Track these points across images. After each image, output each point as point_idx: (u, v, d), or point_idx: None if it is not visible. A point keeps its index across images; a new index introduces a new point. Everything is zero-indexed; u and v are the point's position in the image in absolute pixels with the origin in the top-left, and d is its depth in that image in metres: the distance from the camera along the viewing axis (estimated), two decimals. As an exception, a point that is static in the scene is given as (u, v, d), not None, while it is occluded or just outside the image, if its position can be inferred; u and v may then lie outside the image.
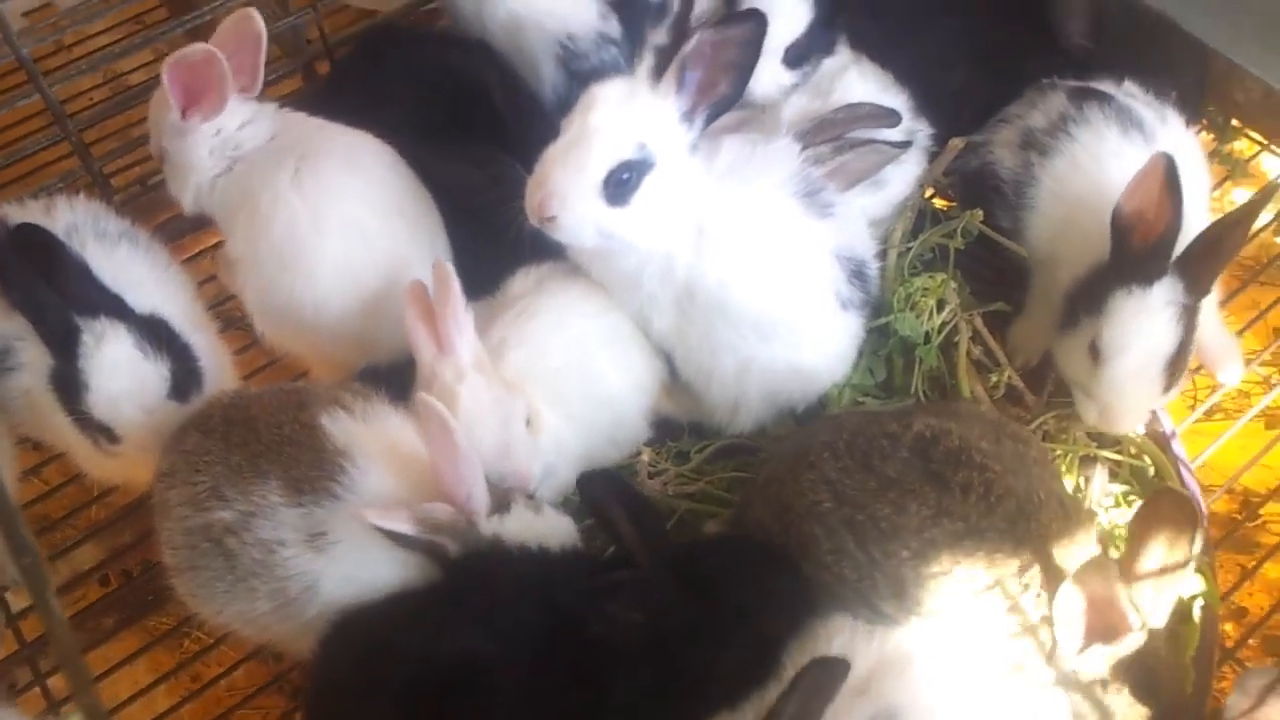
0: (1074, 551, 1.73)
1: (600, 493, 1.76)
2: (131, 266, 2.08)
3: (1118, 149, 2.18)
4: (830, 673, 1.43)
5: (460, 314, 1.89)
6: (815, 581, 1.73)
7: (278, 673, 2.18)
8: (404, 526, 1.65)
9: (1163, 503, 1.66)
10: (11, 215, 2.06)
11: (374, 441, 1.77)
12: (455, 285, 1.88)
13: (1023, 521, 1.71)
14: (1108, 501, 2.09)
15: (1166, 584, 1.63)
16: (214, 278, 2.46)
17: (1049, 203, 2.23)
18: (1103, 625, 1.60)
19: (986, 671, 1.65)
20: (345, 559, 1.71)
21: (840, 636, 1.66)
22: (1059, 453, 2.11)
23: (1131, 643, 1.60)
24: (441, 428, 1.64)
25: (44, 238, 1.96)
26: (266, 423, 1.78)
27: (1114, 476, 2.13)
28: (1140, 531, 1.66)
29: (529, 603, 1.66)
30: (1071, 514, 1.81)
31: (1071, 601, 1.61)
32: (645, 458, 2.08)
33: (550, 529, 1.75)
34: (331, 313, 2.10)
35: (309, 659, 1.73)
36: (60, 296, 1.92)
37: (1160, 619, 1.66)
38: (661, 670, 1.63)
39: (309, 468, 1.72)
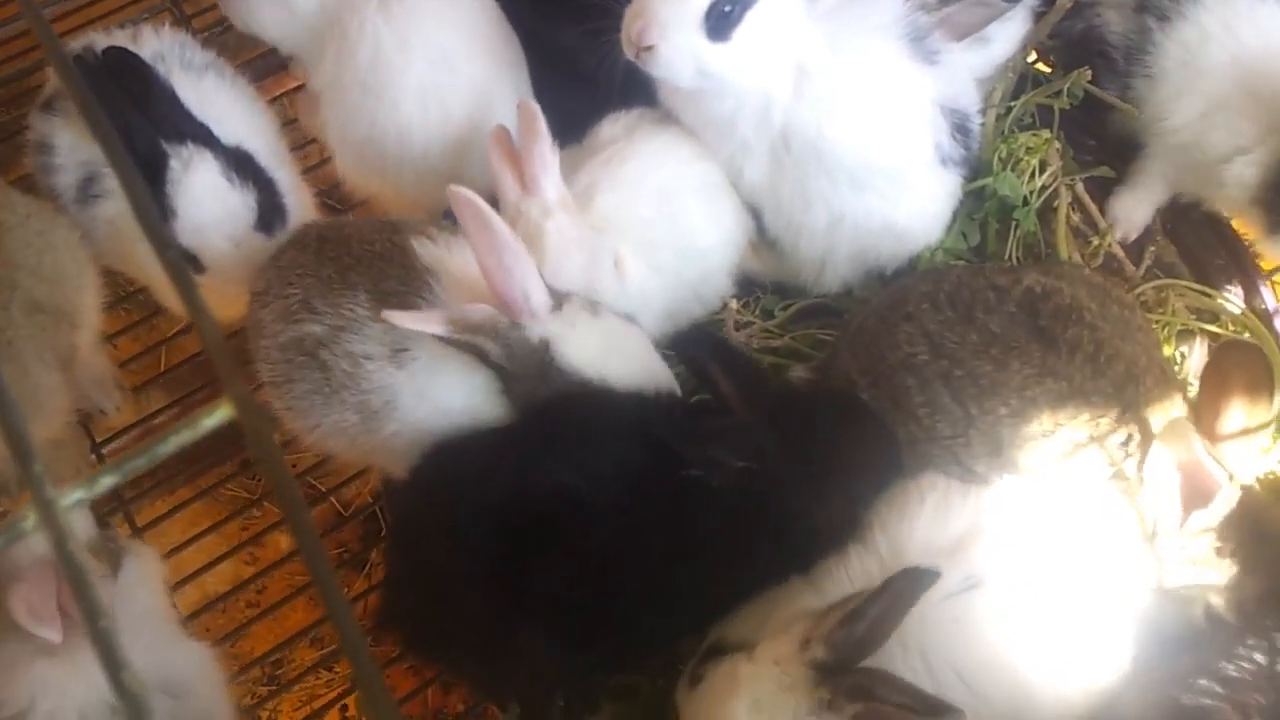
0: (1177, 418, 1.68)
1: (697, 349, 1.74)
2: (217, 98, 2.06)
3: (1252, 17, 2.03)
4: (920, 582, 1.40)
5: (547, 153, 1.84)
6: (903, 436, 1.70)
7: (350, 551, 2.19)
8: (435, 327, 1.62)
9: (1233, 353, 1.60)
10: (98, 42, 2.03)
11: (458, 268, 1.75)
12: (542, 123, 1.83)
13: (1130, 385, 1.66)
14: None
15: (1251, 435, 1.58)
16: (293, 121, 2.43)
17: (1179, 74, 2.09)
18: (1195, 491, 1.55)
19: (1081, 538, 1.61)
20: (420, 375, 1.71)
21: (934, 494, 1.63)
22: (1158, 324, 2.04)
23: (1225, 501, 1.55)
24: (478, 218, 1.59)
25: (133, 61, 1.95)
26: (359, 240, 1.77)
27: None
28: (1214, 384, 1.60)
29: (623, 441, 1.64)
30: (1172, 381, 1.76)
31: (1164, 472, 1.56)
32: (733, 306, 2.03)
33: (608, 334, 1.72)
34: (414, 144, 2.06)
35: (396, 488, 1.73)
36: (148, 121, 1.90)
37: (1249, 471, 1.61)
38: (754, 517, 1.61)
39: (397, 282, 1.71)
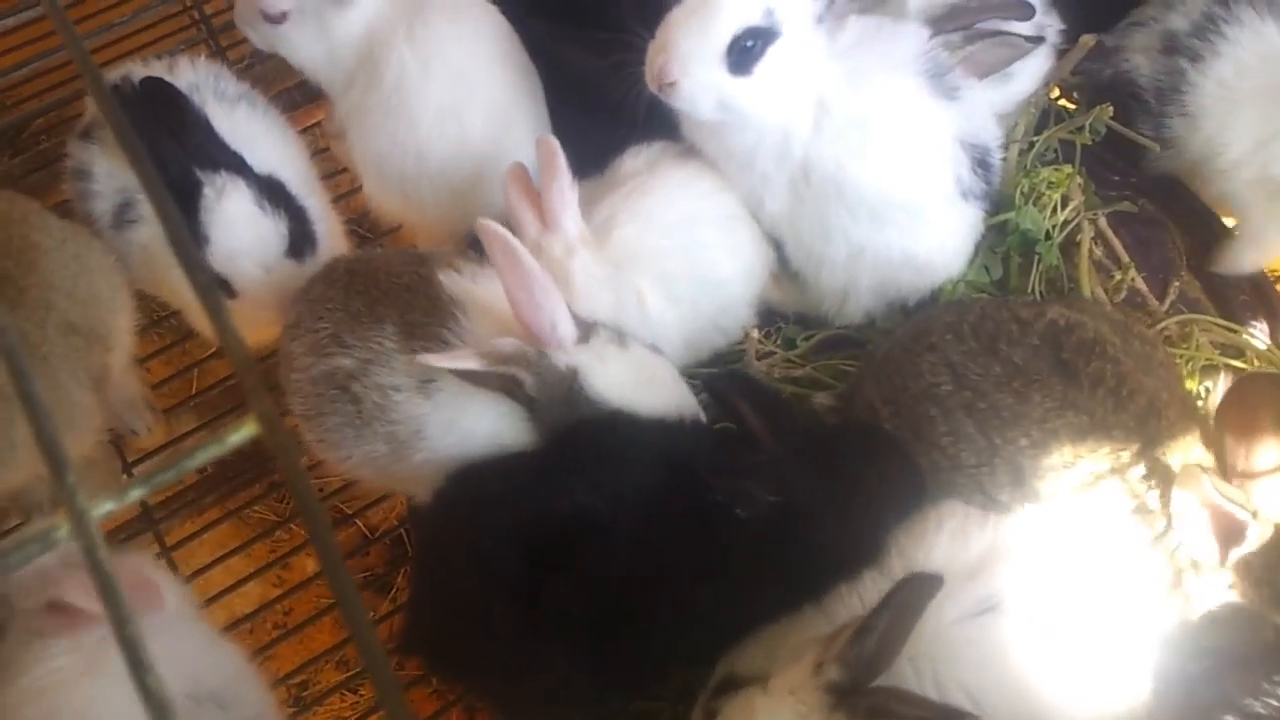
0: (1196, 454, 1.67)
1: (726, 388, 1.75)
2: (250, 127, 2.11)
3: None
4: (924, 588, 1.40)
5: (566, 189, 1.87)
6: (926, 465, 1.71)
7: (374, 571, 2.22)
8: (469, 363, 1.64)
9: (1259, 386, 1.59)
10: (135, 72, 2.09)
11: (484, 299, 1.78)
12: (561, 160, 1.86)
13: (1153, 420, 1.66)
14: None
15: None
16: (324, 150, 2.48)
17: (1221, 109, 2.11)
18: (1227, 529, 1.55)
19: (1099, 565, 1.61)
20: (447, 406, 1.73)
21: (952, 521, 1.63)
22: (1181, 359, 2.04)
23: (1255, 536, 1.54)
24: (507, 253, 1.62)
25: (169, 91, 2.00)
26: (387, 273, 1.81)
27: (1237, 386, 2.05)
28: (1239, 419, 1.58)
29: (644, 465, 1.66)
30: (1194, 416, 1.76)
31: (1192, 510, 1.56)
32: (755, 336, 2.04)
33: (636, 364, 1.74)
34: (433, 163, 2.11)
35: (420, 511, 1.75)
36: (183, 150, 1.95)
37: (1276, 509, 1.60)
38: (775, 544, 1.62)
39: (423, 314, 1.74)
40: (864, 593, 1.59)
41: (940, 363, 1.73)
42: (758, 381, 1.85)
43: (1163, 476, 1.64)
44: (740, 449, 1.73)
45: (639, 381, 1.74)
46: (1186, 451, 1.67)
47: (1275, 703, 1.53)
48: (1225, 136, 2.10)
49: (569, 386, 1.70)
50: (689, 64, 1.79)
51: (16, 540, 0.74)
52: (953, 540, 1.60)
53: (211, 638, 1.80)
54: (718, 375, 1.74)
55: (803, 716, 1.40)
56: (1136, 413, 1.67)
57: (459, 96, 2.11)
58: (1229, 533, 1.55)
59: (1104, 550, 1.62)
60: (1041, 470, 1.66)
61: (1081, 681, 1.51)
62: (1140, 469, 1.65)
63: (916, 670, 1.46)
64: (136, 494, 0.77)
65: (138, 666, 0.66)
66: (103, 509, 0.73)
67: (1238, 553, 1.55)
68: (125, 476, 2.27)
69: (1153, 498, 1.64)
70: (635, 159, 2.12)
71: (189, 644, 1.70)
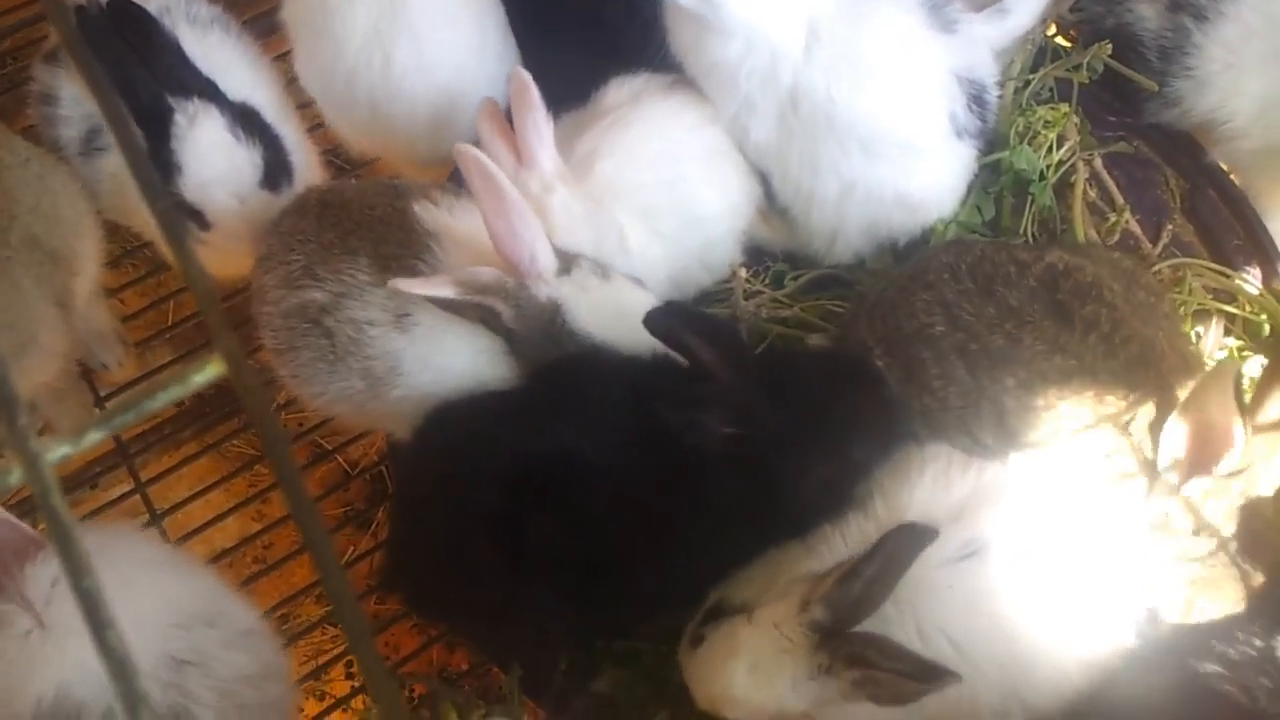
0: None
1: (669, 323, 1.61)
2: (223, 53, 2.05)
3: None
4: (916, 539, 1.39)
5: (541, 124, 1.80)
6: (917, 408, 1.68)
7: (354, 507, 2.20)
8: (446, 290, 1.60)
9: None
10: (104, -7, 2.01)
11: (461, 231, 1.73)
12: (534, 93, 1.78)
13: (1142, 369, 1.64)
14: (1221, 355, 2.00)
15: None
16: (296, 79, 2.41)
17: (1224, 75, 2.05)
18: (1206, 454, 1.53)
19: (1082, 510, 1.60)
20: (423, 340, 1.69)
21: (935, 464, 1.62)
22: (1174, 303, 2.01)
23: (1229, 466, 1.53)
24: (485, 178, 1.57)
25: (138, 13, 1.92)
26: (360, 204, 1.75)
27: (1229, 331, 2.03)
28: (1268, 382, 1.58)
29: (625, 403, 1.62)
30: (1194, 370, 1.73)
31: (1177, 432, 1.55)
32: (742, 275, 2.00)
33: (619, 297, 1.69)
34: (362, 92, 2.03)
35: (400, 449, 1.72)
36: (153, 75, 1.88)
37: (1270, 482, 1.59)
38: (747, 482, 1.60)
39: (397, 246, 1.70)
40: (848, 534, 1.58)
41: (935, 302, 1.69)
42: (701, 311, 1.79)
43: (1160, 423, 1.62)
44: (699, 383, 1.64)
45: (622, 315, 1.68)
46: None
47: (1251, 651, 1.53)
48: (1231, 105, 2.05)
49: (550, 319, 1.66)
50: None
51: (-34, 484, 0.70)
52: (935, 483, 1.59)
53: (179, 564, 1.77)
54: (654, 310, 1.60)
55: (784, 650, 1.41)
56: (1127, 360, 1.64)
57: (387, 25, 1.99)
58: (1203, 457, 1.53)
59: (1087, 494, 1.61)
60: (1024, 411, 1.64)
61: (1065, 627, 1.51)
62: (1124, 413, 1.64)
63: (900, 614, 1.45)
64: (95, 436, 0.73)
65: (96, 622, 0.63)
66: (58, 453, 0.70)
67: (1198, 483, 1.54)
68: (98, 411, 2.23)
69: (1134, 442, 1.63)
70: (619, 91, 2.05)
71: (165, 575, 1.67)
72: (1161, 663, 1.51)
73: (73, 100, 2.02)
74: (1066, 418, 1.64)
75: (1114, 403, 1.63)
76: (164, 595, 1.57)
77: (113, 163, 2.00)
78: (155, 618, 1.50)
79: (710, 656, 1.51)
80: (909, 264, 1.85)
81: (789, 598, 1.44)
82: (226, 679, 1.53)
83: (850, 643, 1.38)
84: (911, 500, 1.57)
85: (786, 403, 1.60)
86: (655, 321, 1.60)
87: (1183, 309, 2.02)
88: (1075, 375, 1.63)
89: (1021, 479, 1.60)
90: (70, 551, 0.66)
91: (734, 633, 1.47)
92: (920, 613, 1.47)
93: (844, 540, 1.57)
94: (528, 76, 1.78)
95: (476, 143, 1.75)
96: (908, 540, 1.39)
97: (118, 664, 0.64)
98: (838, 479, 1.63)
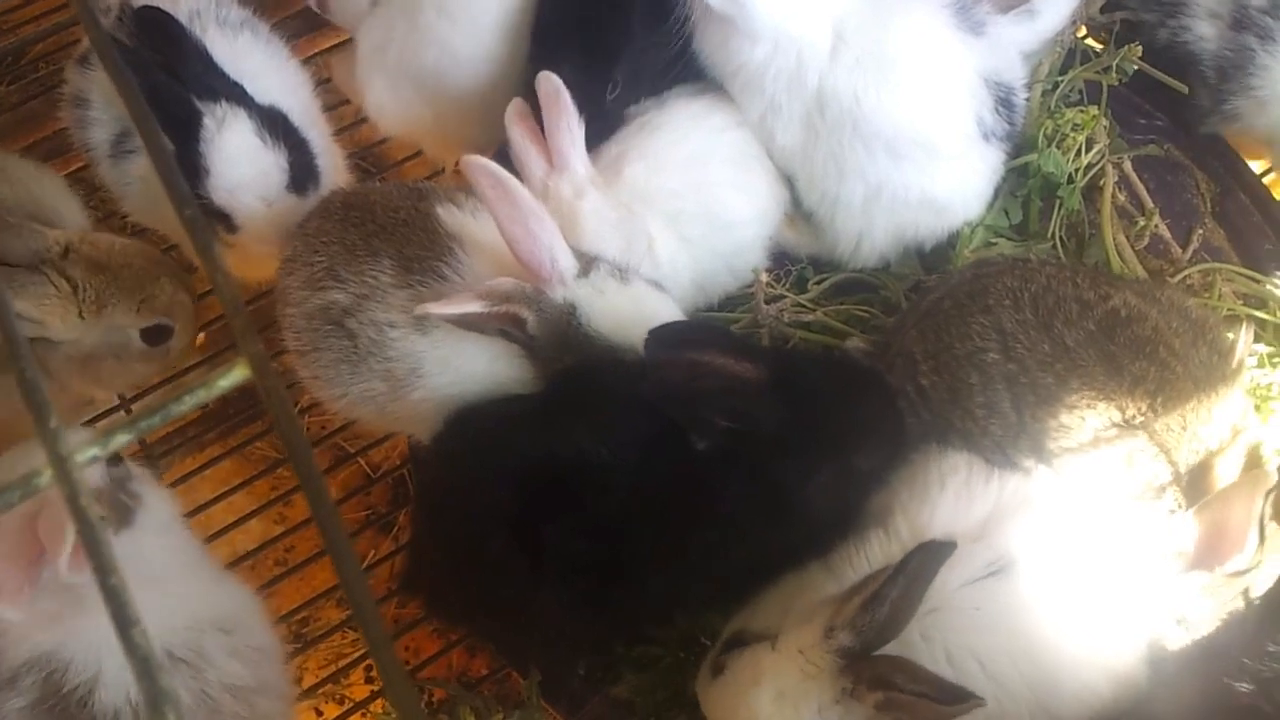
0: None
1: (671, 345, 1.51)
2: (252, 56, 2.04)
3: None
4: (936, 555, 1.37)
5: (574, 127, 1.80)
6: (958, 428, 1.67)
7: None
8: (471, 306, 1.59)
9: None
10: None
11: (484, 234, 1.73)
12: (566, 97, 1.77)
13: (1180, 431, 1.62)
14: (1251, 361, 1.96)
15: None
16: (327, 81, 2.42)
17: None
18: (1213, 555, 1.52)
19: (1105, 521, 1.58)
20: (445, 342, 1.69)
21: (955, 477, 1.61)
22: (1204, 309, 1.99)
23: (1235, 568, 1.50)
24: (496, 186, 1.56)
25: (166, 19, 1.93)
26: (384, 206, 1.75)
27: (1259, 337, 2.00)
28: None
29: (641, 410, 1.61)
30: (1234, 440, 1.69)
31: (1189, 527, 1.53)
32: (764, 279, 2.00)
33: (636, 299, 1.68)
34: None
35: (421, 453, 1.72)
36: (181, 80, 1.89)
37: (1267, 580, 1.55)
38: (756, 485, 1.58)
39: (420, 248, 1.70)
40: (870, 554, 1.57)
41: (992, 328, 1.67)
42: (697, 323, 1.76)
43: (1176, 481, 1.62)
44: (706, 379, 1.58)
45: (639, 319, 1.66)
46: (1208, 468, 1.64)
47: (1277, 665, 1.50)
48: None
49: (566, 322, 1.65)
50: None
51: (-4, 486, 0.71)
52: (957, 499, 1.58)
53: (205, 568, 1.78)
54: (652, 336, 1.49)
55: (810, 676, 1.39)
56: (1169, 423, 1.62)
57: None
58: (1211, 554, 1.51)
59: (1112, 510, 1.59)
60: (1062, 454, 1.63)
61: (1092, 641, 1.49)
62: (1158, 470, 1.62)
63: (925, 635, 1.44)
64: (122, 439, 0.73)
65: (122, 620, 0.64)
66: (86, 454, 0.70)
67: (1198, 577, 1.52)
68: (125, 414, 2.24)
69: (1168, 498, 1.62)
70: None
71: (184, 577, 1.67)
72: (1193, 681, 1.49)
73: (104, 103, 2.02)
74: (1101, 462, 1.62)
75: (1148, 457, 1.62)
76: (194, 596, 1.58)
77: (141, 165, 2.00)
78: (173, 614, 1.52)
79: (734, 685, 1.48)
80: (969, 276, 1.81)
81: (812, 623, 1.42)
82: (211, 684, 1.54)
83: (875, 666, 1.36)
84: (934, 519, 1.56)
85: (790, 403, 1.58)
86: (655, 346, 1.52)
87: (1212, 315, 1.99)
88: (1116, 429, 1.61)
89: (1044, 492, 1.59)
90: (98, 550, 0.66)
91: (757, 660, 1.45)
92: (947, 635, 1.45)
93: (867, 560, 1.56)
94: (558, 80, 1.77)
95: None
96: (928, 558, 1.37)
97: (141, 661, 0.64)
98: (843, 486, 1.62)
